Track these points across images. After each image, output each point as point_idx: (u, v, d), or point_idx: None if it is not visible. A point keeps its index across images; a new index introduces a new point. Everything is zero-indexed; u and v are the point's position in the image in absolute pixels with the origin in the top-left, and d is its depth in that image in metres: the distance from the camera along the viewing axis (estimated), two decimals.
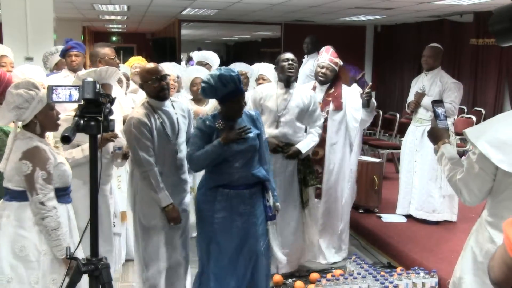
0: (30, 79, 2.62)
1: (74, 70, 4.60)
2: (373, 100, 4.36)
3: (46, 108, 2.56)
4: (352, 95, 4.43)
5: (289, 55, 4.14)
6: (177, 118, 3.35)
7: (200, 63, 5.82)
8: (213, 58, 5.91)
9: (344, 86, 4.53)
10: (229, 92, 3.09)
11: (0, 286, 2.49)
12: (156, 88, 3.25)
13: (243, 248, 3.22)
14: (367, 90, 4.27)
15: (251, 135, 3.16)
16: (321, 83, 4.49)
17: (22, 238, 2.51)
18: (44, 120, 2.57)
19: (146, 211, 3.32)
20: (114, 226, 3.71)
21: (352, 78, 6.00)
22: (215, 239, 3.20)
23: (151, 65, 3.36)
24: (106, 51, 4.42)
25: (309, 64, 6.95)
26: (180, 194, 3.42)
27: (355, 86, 4.62)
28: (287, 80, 4.12)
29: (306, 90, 4.24)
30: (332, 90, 4.47)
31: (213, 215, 3.19)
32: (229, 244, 3.20)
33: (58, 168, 2.58)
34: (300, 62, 7.57)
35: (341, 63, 4.56)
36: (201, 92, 3.22)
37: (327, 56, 4.46)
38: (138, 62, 5.89)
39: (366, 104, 4.26)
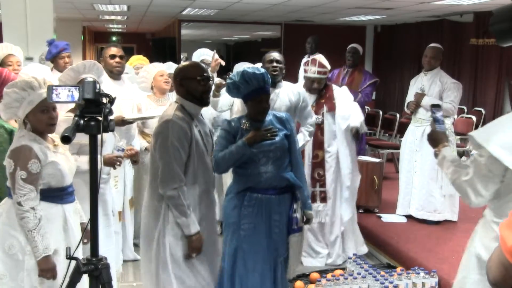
0: (30, 78, 2.61)
1: None
2: (362, 128, 4.44)
3: (35, 110, 2.54)
4: (341, 98, 4.47)
5: (274, 55, 4.03)
6: (209, 129, 3.04)
7: (204, 63, 5.76)
8: (211, 54, 5.88)
9: (335, 87, 4.58)
10: (252, 90, 2.99)
11: None
12: (202, 89, 2.85)
13: (267, 257, 3.06)
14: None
15: (277, 138, 3.03)
16: (315, 92, 4.49)
17: (10, 237, 2.51)
18: (33, 122, 2.55)
19: (181, 242, 2.83)
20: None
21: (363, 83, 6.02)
22: (241, 247, 3.04)
23: (196, 61, 3.11)
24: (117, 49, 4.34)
25: None
26: (212, 218, 3.03)
27: (344, 88, 4.64)
28: (272, 81, 4.01)
29: (293, 87, 4.15)
30: (324, 92, 4.51)
31: (240, 221, 3.04)
32: (255, 251, 3.03)
33: (50, 167, 2.56)
34: (300, 62, 7.59)
35: (329, 67, 4.53)
36: (226, 89, 3.13)
37: (315, 69, 4.40)
38: (139, 62, 5.87)
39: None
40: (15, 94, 2.51)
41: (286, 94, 4.03)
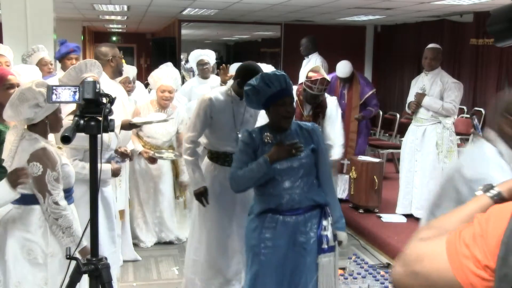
0: (41, 80, 2.63)
1: None
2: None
3: (57, 110, 2.59)
4: (329, 111, 4.53)
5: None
6: None
7: (201, 63, 5.74)
8: (209, 54, 5.87)
9: (326, 95, 4.63)
10: (273, 93, 2.71)
11: None
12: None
13: (291, 283, 2.78)
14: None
15: (303, 154, 2.74)
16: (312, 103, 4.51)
17: (29, 242, 2.53)
18: (53, 121, 2.59)
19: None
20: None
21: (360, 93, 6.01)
22: (262, 272, 2.78)
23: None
24: (116, 50, 4.35)
25: (311, 65, 6.94)
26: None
27: (334, 99, 4.66)
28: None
29: None
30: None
31: (260, 244, 2.77)
32: (276, 277, 2.77)
33: (62, 169, 2.60)
34: (300, 62, 7.59)
35: (329, 79, 4.53)
36: (245, 98, 2.85)
37: (322, 87, 4.37)
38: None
39: None
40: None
41: None
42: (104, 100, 2.21)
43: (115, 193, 3.83)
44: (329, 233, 2.80)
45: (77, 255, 2.38)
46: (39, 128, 2.57)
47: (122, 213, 4.14)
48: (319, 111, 4.45)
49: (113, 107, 2.26)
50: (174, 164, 4.96)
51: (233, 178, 2.81)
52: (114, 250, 3.53)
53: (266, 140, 2.77)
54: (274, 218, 2.76)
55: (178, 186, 5.02)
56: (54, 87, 2.18)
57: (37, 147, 2.52)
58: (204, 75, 5.62)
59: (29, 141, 2.54)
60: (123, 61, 5.32)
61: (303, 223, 2.76)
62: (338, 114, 4.56)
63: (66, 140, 2.05)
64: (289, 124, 2.79)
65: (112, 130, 2.29)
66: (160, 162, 4.80)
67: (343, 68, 5.83)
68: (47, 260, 2.54)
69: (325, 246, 2.77)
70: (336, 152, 4.40)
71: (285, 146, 2.70)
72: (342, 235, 2.90)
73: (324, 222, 2.79)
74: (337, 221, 2.88)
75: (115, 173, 3.35)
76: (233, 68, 4.27)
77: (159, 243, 5.03)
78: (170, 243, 5.03)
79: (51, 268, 2.54)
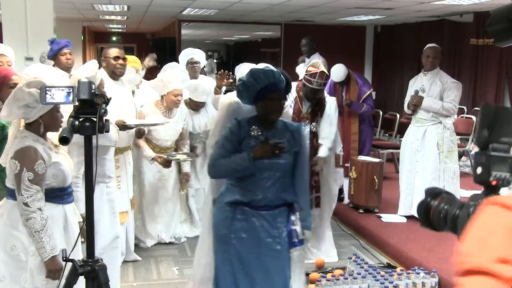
0: (41, 79, 2.60)
1: (68, 69, 4.56)
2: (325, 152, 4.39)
3: (52, 110, 2.56)
4: (328, 110, 4.47)
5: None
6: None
7: (191, 62, 5.64)
8: (200, 53, 5.81)
9: (325, 94, 4.57)
10: (261, 88, 2.75)
11: None
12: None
13: (261, 276, 2.81)
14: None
15: (284, 155, 2.78)
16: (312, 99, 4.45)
17: (13, 238, 2.51)
18: (49, 121, 2.56)
19: None
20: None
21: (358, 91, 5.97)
22: (231, 261, 2.81)
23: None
24: (107, 51, 4.35)
25: None
26: None
27: (333, 99, 4.61)
28: None
29: None
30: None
31: (231, 234, 2.81)
32: (247, 268, 2.81)
33: (53, 167, 2.57)
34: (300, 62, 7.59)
35: (328, 73, 4.51)
36: (237, 94, 2.91)
37: (321, 81, 4.26)
38: (132, 65, 5.81)
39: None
40: (38, 93, 2.47)
41: None
42: (99, 100, 2.20)
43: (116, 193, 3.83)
44: (298, 227, 2.87)
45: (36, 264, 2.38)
46: (33, 127, 2.56)
47: (123, 215, 4.14)
48: (317, 109, 4.43)
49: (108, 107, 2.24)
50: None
51: (214, 165, 2.82)
52: (117, 245, 3.54)
53: (252, 133, 2.80)
54: (245, 211, 2.80)
55: (181, 179, 5.03)
56: (48, 88, 2.16)
57: (22, 145, 2.50)
58: (193, 74, 5.56)
59: (20, 139, 2.54)
60: (137, 63, 5.33)
61: (272, 218, 2.81)
62: (336, 115, 4.52)
63: (64, 141, 2.05)
64: (277, 117, 2.82)
65: (108, 131, 2.27)
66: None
67: (336, 73, 5.75)
68: (28, 258, 2.51)
69: (295, 240, 2.84)
70: (323, 151, 4.37)
71: (270, 145, 2.74)
72: (308, 234, 2.97)
73: (293, 217, 2.86)
74: (304, 220, 2.92)
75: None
76: (241, 68, 4.19)
77: (159, 243, 5.02)
78: (170, 243, 5.03)
79: (31, 267, 2.51)
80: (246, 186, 2.80)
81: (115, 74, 4.10)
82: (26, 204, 2.45)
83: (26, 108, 2.50)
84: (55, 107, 2.56)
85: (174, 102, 4.70)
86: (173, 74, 4.78)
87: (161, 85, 4.72)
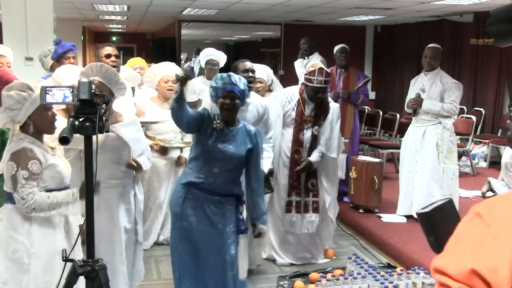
0: (26, 80, 2.59)
1: None
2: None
3: (39, 109, 2.53)
4: (332, 115, 4.43)
5: (248, 65, 3.96)
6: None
7: (210, 62, 5.65)
8: (220, 55, 5.83)
9: (330, 100, 4.54)
10: (218, 89, 3.15)
11: None
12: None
13: (210, 256, 3.18)
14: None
15: (233, 148, 3.12)
16: (316, 101, 4.40)
17: (14, 241, 2.51)
18: (37, 121, 2.54)
19: None
20: None
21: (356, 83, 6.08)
22: (184, 238, 3.18)
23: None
24: (100, 50, 4.35)
25: None
26: None
27: (337, 106, 4.58)
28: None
29: (261, 100, 4.12)
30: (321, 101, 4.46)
31: (183, 212, 3.16)
32: (197, 247, 3.17)
33: (50, 169, 2.56)
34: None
35: (329, 71, 4.50)
36: (211, 95, 3.27)
37: (321, 78, 4.23)
38: (138, 63, 5.88)
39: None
40: (18, 95, 2.48)
41: (255, 107, 3.94)
42: (99, 100, 2.20)
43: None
44: (244, 216, 3.29)
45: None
46: (25, 129, 2.55)
47: None
48: (320, 113, 4.39)
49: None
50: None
51: (173, 109, 3.07)
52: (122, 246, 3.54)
53: (215, 126, 3.13)
54: (194, 193, 3.15)
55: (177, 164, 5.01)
56: (48, 88, 2.15)
57: (18, 147, 2.50)
58: (210, 75, 5.57)
59: (15, 142, 2.53)
60: (142, 63, 5.37)
61: (220, 204, 3.17)
62: (338, 121, 4.48)
63: (64, 141, 2.05)
64: (229, 116, 3.16)
65: (108, 131, 2.27)
66: (167, 163, 4.84)
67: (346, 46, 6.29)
68: (31, 261, 2.51)
69: (242, 227, 3.23)
70: (314, 156, 4.35)
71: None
72: (264, 228, 3.30)
73: (240, 208, 3.26)
74: (261, 217, 3.27)
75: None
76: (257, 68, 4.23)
77: (159, 243, 5.02)
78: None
79: (33, 269, 2.50)
80: (200, 170, 3.14)
81: None
82: (22, 198, 2.45)
83: (9, 111, 2.49)
84: (43, 106, 2.51)
85: (166, 89, 4.72)
86: (164, 63, 4.87)
87: (152, 75, 4.80)
